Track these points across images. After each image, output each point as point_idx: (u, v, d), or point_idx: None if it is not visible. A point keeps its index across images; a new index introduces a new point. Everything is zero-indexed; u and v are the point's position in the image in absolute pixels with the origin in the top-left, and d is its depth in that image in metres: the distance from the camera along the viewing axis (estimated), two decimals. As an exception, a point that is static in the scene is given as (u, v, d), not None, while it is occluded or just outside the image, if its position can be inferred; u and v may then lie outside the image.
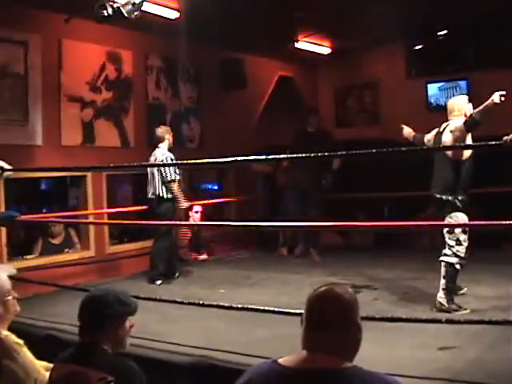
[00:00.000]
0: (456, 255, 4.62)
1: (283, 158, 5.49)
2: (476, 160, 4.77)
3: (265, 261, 7.30)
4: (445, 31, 8.70)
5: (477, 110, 4.43)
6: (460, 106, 4.81)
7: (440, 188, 4.74)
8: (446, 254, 4.67)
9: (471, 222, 4.79)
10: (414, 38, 9.10)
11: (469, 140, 4.58)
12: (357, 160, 7.24)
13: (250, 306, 4.02)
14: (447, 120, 4.88)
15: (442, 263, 4.69)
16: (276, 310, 3.88)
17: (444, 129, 4.82)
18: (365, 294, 5.39)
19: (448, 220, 4.66)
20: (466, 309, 4.61)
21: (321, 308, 1.86)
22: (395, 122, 9.33)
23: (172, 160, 6.22)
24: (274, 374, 1.82)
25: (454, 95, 8.95)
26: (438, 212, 4.81)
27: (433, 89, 9.19)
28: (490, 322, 3.58)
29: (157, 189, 6.26)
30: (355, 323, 1.86)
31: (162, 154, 6.29)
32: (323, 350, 1.80)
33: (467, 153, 4.68)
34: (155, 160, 6.28)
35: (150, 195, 6.39)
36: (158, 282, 6.19)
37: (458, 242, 4.60)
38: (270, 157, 4.37)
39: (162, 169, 6.22)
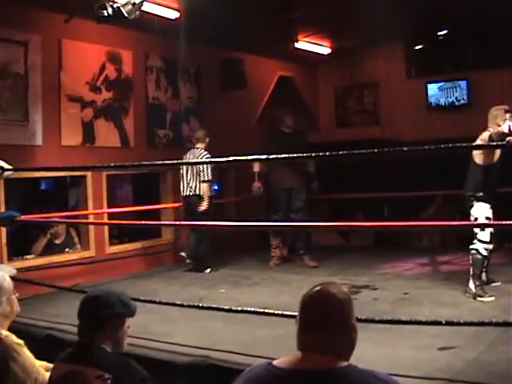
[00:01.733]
0: (480, 241, 4.86)
1: (283, 158, 5.47)
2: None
3: (265, 261, 7.29)
4: (445, 31, 8.70)
5: (495, 131, 4.70)
6: (492, 118, 4.99)
7: (468, 188, 5.06)
8: (473, 243, 4.92)
9: (472, 222, 4.90)
10: (414, 38, 9.10)
11: (497, 152, 4.90)
12: (357, 160, 7.22)
13: (250, 309, 4.01)
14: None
15: (471, 251, 4.95)
16: (276, 312, 3.87)
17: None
18: (365, 294, 5.39)
19: (471, 211, 4.96)
20: (490, 296, 4.83)
21: (314, 308, 1.85)
22: (395, 122, 9.38)
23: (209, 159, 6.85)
24: (268, 375, 1.81)
25: (453, 95, 9.01)
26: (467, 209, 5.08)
27: (433, 89, 9.18)
28: (490, 323, 3.58)
29: (197, 188, 6.80)
30: (349, 322, 1.85)
31: (201, 153, 6.82)
32: (318, 350, 1.79)
33: (495, 157, 4.96)
34: (193, 158, 6.81)
35: (188, 193, 6.85)
36: (208, 270, 6.85)
37: (482, 229, 4.85)
38: (271, 157, 4.36)
39: (202, 168, 6.76)
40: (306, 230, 6.96)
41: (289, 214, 7.07)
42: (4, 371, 2.66)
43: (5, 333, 2.79)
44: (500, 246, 7.07)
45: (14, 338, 2.79)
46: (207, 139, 6.97)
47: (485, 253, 4.90)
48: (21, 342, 2.79)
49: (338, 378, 1.74)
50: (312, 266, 6.96)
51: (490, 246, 4.91)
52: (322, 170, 7.50)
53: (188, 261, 7.03)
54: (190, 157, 6.86)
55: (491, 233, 4.86)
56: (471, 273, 4.94)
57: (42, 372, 2.77)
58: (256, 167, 7.17)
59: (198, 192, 6.80)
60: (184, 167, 6.90)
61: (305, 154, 4.35)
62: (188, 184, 6.85)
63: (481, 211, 4.91)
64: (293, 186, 7.12)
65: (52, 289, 5.45)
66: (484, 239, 4.86)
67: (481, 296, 4.85)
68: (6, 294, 2.88)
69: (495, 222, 4.64)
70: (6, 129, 5.84)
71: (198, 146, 6.93)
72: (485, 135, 4.83)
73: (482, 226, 4.94)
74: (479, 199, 4.94)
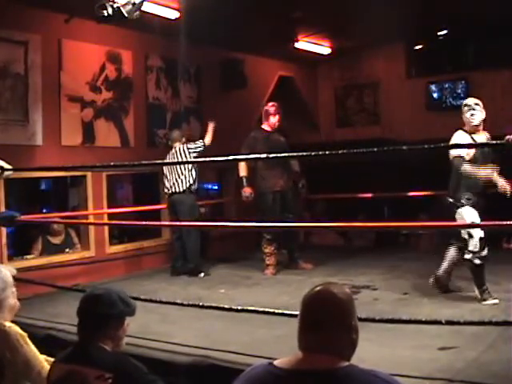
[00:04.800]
0: (470, 251, 4.71)
1: (283, 157, 5.48)
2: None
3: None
4: (445, 31, 8.71)
5: None
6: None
7: (448, 191, 4.94)
8: (464, 252, 4.77)
9: (471, 223, 4.84)
10: (414, 37, 9.11)
11: None
12: (357, 159, 7.23)
13: (249, 308, 4.01)
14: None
15: (466, 262, 4.81)
16: (276, 311, 3.87)
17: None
18: (365, 294, 5.39)
19: (456, 217, 4.79)
20: (495, 298, 4.73)
21: (315, 308, 1.85)
22: (395, 122, 9.37)
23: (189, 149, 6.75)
24: (269, 376, 1.81)
25: (453, 95, 9.00)
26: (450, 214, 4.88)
27: (433, 89, 9.18)
28: (490, 323, 3.58)
29: (179, 184, 6.66)
30: (350, 323, 1.84)
31: (183, 148, 6.73)
32: (318, 350, 1.79)
33: (470, 155, 4.77)
34: (175, 158, 6.72)
35: (172, 191, 6.73)
36: (202, 274, 6.64)
37: (470, 236, 4.68)
38: (271, 155, 4.36)
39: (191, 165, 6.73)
40: (298, 232, 6.89)
41: (282, 217, 6.64)
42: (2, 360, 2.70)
43: (8, 324, 2.82)
44: (498, 246, 7.07)
45: (17, 329, 2.82)
46: (183, 139, 6.88)
47: (477, 261, 4.70)
48: (24, 334, 2.82)
49: (338, 378, 1.73)
50: (308, 268, 6.78)
51: (483, 253, 4.69)
52: (322, 170, 7.50)
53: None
54: (170, 158, 6.75)
55: (480, 239, 4.64)
56: (474, 282, 4.81)
57: (46, 366, 2.78)
58: (243, 171, 6.71)
59: (179, 189, 6.66)
60: (165, 168, 6.77)
61: (304, 153, 4.35)
62: (171, 183, 6.72)
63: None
64: (283, 187, 6.76)
65: (52, 289, 5.45)
66: (473, 249, 4.67)
67: (485, 300, 4.75)
68: (12, 287, 2.93)
69: (498, 222, 4.50)
70: (5, 129, 5.84)
71: (176, 145, 6.81)
72: None
73: (484, 226, 4.83)
74: (460, 206, 4.81)
